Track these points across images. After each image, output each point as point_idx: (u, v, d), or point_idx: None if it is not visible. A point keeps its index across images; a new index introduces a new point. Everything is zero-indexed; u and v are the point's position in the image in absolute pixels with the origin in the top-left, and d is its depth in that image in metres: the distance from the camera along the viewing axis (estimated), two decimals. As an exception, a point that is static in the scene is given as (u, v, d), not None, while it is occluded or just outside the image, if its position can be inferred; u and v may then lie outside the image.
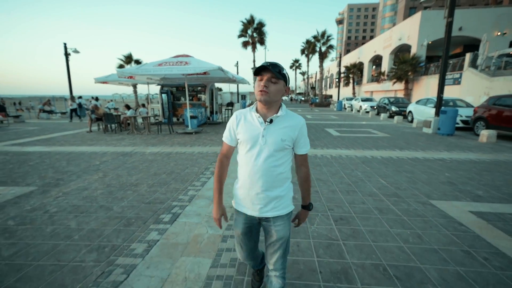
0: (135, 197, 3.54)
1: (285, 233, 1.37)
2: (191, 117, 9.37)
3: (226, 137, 1.43)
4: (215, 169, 1.46)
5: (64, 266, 2.10)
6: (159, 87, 12.88)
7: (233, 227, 1.52)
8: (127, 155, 6.06)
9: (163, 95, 12.05)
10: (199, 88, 12.78)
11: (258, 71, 1.27)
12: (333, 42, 31.32)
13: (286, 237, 1.38)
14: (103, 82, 11.49)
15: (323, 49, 31.24)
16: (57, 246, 2.38)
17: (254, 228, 1.46)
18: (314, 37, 31.23)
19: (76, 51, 17.47)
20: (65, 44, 17.06)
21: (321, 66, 32.57)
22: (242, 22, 29.34)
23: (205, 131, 9.94)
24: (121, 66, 24.79)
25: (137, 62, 25.26)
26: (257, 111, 1.35)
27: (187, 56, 8.82)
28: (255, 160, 1.31)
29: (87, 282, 1.92)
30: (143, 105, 12.93)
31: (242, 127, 1.35)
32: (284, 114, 1.34)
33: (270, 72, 1.25)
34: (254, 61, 31.84)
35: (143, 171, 4.74)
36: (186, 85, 8.96)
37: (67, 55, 17.14)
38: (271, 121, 1.31)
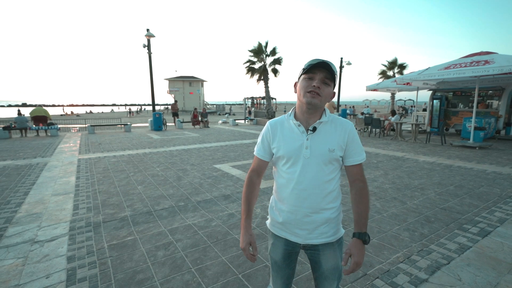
0: (425, 199, 3.72)
1: (337, 263, 1.19)
2: (476, 128, 7.71)
3: (258, 150, 1.28)
4: (243, 188, 1.30)
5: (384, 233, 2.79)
6: (429, 93, 11.86)
7: (269, 253, 1.32)
8: (400, 159, 6.38)
9: (434, 101, 10.96)
10: (491, 92, 10.05)
11: (310, 68, 1.09)
12: None
13: (339, 267, 1.21)
14: (373, 90, 12.72)
15: None
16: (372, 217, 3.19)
17: (294, 254, 1.28)
18: None
19: (349, 63, 20.71)
20: (341, 58, 20.81)
21: None
22: None
23: (496, 147, 7.73)
24: (383, 72, 25.74)
25: (401, 66, 24.82)
26: (295, 118, 1.18)
27: (489, 53, 7.22)
28: (299, 176, 1.14)
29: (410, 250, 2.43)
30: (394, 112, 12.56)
31: (280, 139, 1.19)
32: (328, 119, 1.16)
33: (326, 71, 1.07)
34: None
35: (424, 178, 4.79)
36: (476, 89, 7.46)
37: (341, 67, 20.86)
38: (314, 129, 1.13)
